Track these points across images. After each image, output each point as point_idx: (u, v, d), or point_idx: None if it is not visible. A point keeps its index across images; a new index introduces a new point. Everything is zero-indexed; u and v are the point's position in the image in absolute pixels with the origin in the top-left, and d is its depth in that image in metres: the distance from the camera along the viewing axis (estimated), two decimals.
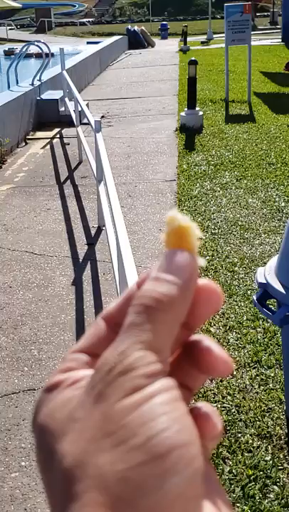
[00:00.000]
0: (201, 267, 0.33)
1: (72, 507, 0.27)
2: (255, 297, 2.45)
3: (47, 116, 9.57)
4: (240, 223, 5.24)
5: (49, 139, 8.69)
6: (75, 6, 52.24)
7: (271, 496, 2.39)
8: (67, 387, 0.31)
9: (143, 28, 26.19)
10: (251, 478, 2.47)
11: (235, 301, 3.89)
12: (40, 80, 10.01)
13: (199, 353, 0.33)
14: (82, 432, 0.28)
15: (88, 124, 6.16)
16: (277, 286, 2.34)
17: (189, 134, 8.37)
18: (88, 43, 26.28)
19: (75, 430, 0.29)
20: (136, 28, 25.85)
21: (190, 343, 0.34)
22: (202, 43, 25.74)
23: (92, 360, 0.32)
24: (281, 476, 2.48)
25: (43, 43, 10.49)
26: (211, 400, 2.94)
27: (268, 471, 2.50)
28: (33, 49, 12.00)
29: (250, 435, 2.71)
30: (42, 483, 0.31)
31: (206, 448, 0.31)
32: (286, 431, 2.73)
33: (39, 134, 9.05)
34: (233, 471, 2.52)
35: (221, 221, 5.31)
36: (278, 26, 30.38)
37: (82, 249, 4.88)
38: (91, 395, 0.29)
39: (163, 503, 0.26)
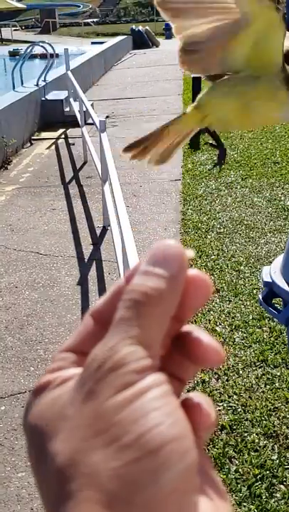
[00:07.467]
0: (190, 258, 0.32)
1: (66, 506, 0.26)
2: (260, 296, 2.44)
3: (52, 116, 9.57)
4: (245, 222, 5.23)
5: (54, 140, 8.70)
6: (79, 6, 52.28)
7: (278, 495, 2.39)
8: (57, 386, 0.31)
9: (147, 27, 26.17)
10: (258, 477, 2.47)
11: (241, 301, 3.89)
12: (45, 80, 10.02)
13: (190, 344, 0.33)
14: (73, 430, 0.28)
15: (93, 124, 6.16)
16: (283, 285, 2.33)
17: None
18: (93, 43, 26.26)
19: (67, 429, 0.28)
20: (140, 28, 25.82)
21: (181, 335, 0.34)
22: None
23: (81, 358, 0.32)
24: (288, 475, 2.48)
25: (48, 43, 10.50)
26: (217, 399, 2.93)
27: (275, 470, 2.50)
28: (37, 50, 12.00)
29: (257, 434, 2.70)
30: (35, 484, 0.31)
31: (201, 438, 0.31)
32: None
33: (44, 135, 9.07)
34: (240, 470, 2.51)
35: (226, 220, 5.30)
36: None
37: (87, 249, 4.89)
38: (81, 393, 0.29)
39: (157, 498, 0.26)
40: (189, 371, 0.34)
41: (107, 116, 9.97)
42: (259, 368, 3.19)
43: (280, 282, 2.35)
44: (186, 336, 0.33)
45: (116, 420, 0.27)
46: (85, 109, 6.91)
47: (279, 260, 2.49)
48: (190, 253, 0.33)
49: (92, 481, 0.26)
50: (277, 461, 2.54)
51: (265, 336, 3.47)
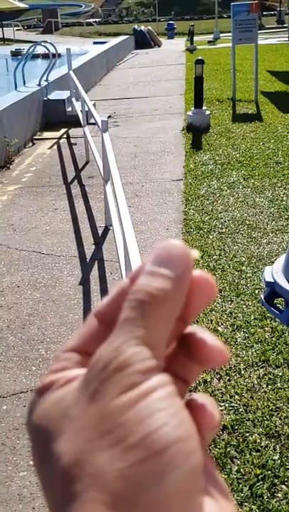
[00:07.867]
0: (195, 258, 0.32)
1: (71, 506, 0.26)
2: (262, 296, 2.45)
3: (54, 116, 9.58)
4: (247, 222, 5.23)
5: (56, 139, 8.71)
6: (81, 6, 52.31)
7: (279, 495, 2.39)
8: (61, 386, 0.31)
9: (150, 27, 26.17)
10: (259, 477, 2.46)
11: (243, 301, 3.89)
12: (47, 80, 10.03)
13: (194, 344, 0.33)
14: (78, 431, 0.28)
15: (95, 124, 6.17)
16: (285, 285, 2.33)
17: (196, 133, 8.36)
18: (95, 43, 26.28)
19: (72, 429, 0.28)
20: (142, 27, 25.82)
21: (185, 335, 0.34)
22: (209, 42, 25.69)
23: (85, 358, 0.32)
24: None
25: (50, 43, 10.51)
26: (219, 399, 2.93)
27: (276, 470, 2.50)
28: (39, 49, 12.02)
29: (258, 434, 2.70)
30: (39, 484, 0.30)
31: (205, 439, 0.31)
32: None
33: (46, 134, 9.07)
34: (241, 470, 2.51)
35: (229, 220, 5.30)
36: (285, 25, 30.27)
37: (89, 248, 4.89)
38: (86, 393, 0.29)
39: (162, 499, 0.26)
40: (193, 372, 0.34)
41: (109, 116, 9.98)
42: (261, 368, 3.19)
43: (282, 282, 2.35)
44: (191, 337, 0.33)
45: (121, 421, 0.27)
46: (87, 108, 6.91)
47: (281, 260, 2.49)
48: (195, 253, 0.33)
49: (97, 482, 0.26)
50: (279, 461, 2.54)
51: (267, 336, 3.46)
